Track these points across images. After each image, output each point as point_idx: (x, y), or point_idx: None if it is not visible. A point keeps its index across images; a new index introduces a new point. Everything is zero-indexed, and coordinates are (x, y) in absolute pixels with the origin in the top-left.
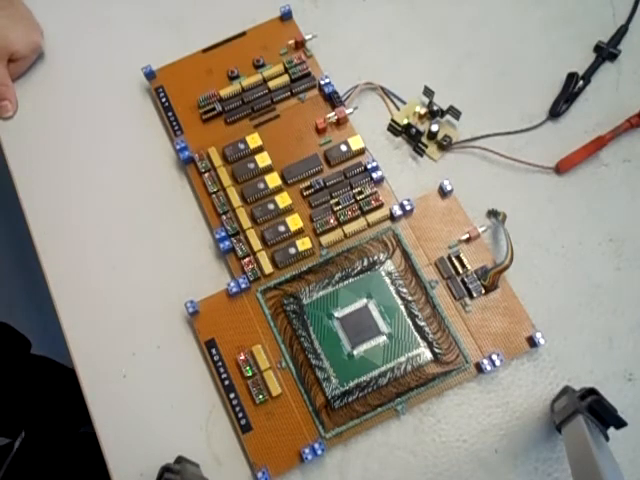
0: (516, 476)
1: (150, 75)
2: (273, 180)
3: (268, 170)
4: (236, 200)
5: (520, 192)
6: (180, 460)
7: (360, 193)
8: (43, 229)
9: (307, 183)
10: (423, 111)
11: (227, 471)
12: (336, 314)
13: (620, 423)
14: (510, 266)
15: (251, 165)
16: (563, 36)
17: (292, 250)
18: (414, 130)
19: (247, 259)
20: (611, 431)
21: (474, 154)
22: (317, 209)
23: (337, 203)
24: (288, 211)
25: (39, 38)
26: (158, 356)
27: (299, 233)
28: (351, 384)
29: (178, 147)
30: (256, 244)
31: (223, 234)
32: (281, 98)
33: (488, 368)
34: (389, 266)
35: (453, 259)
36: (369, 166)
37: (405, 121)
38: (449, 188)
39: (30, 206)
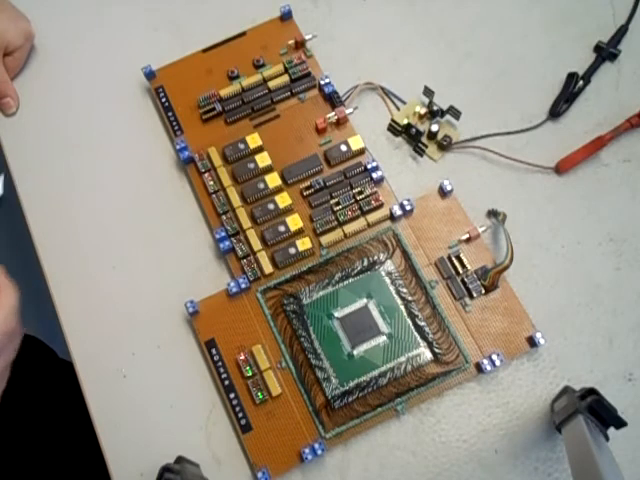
0: (516, 476)
1: (150, 75)
2: (273, 180)
3: (268, 170)
4: (236, 200)
5: (520, 192)
6: (180, 460)
7: (360, 193)
8: (43, 229)
9: (307, 183)
10: (423, 111)
11: (227, 471)
12: (336, 314)
13: (620, 423)
14: (510, 266)
15: (251, 165)
16: (563, 36)
17: (292, 250)
18: (414, 130)
19: (247, 259)
20: (611, 431)
21: (474, 154)
22: (317, 209)
23: (337, 203)
24: (288, 211)
25: (28, 24)
26: (158, 356)
27: (299, 233)
28: (351, 384)
29: (178, 147)
30: (256, 244)
31: (223, 234)
32: (281, 98)
33: (488, 368)
34: (389, 266)
35: (453, 259)
36: (369, 166)
37: (405, 121)
38: (449, 188)
39: (30, 206)
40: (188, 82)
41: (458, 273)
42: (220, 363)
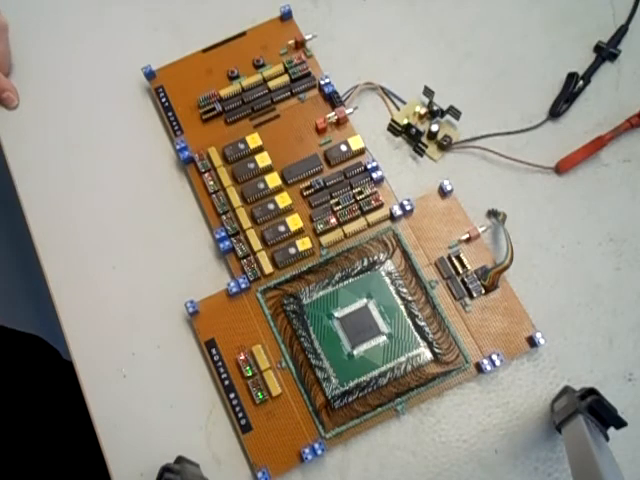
0: (516, 476)
1: (150, 75)
2: (273, 180)
3: (268, 170)
4: (236, 200)
5: (520, 192)
6: (180, 460)
7: (360, 193)
8: (43, 229)
9: (307, 183)
10: (423, 111)
11: (227, 471)
12: (336, 314)
13: (620, 423)
14: (510, 266)
15: (251, 165)
16: (563, 36)
17: (292, 250)
18: (414, 130)
19: (247, 259)
20: (611, 431)
21: (474, 154)
22: (317, 209)
23: (337, 203)
24: (288, 211)
25: None
26: (158, 356)
27: (299, 233)
28: (351, 384)
29: (178, 147)
30: (256, 244)
31: (223, 234)
32: (281, 98)
33: (488, 368)
34: (389, 266)
35: (453, 259)
36: (369, 166)
37: (405, 121)
38: (449, 188)
39: (30, 206)
40: (188, 82)
41: (458, 273)
42: (220, 363)
